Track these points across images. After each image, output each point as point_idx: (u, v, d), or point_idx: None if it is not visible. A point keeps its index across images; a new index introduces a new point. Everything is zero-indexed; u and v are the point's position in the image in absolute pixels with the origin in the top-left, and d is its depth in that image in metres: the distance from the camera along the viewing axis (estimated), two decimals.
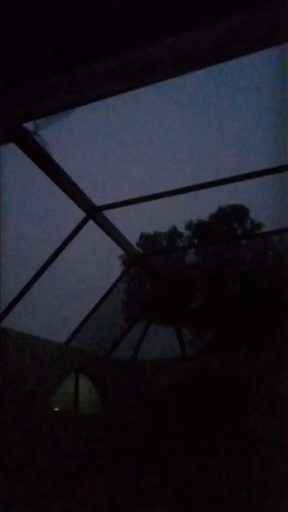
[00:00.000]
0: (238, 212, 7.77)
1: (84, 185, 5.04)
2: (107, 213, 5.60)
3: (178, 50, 2.24)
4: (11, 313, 5.41)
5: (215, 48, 2.18)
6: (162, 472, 5.30)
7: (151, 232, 7.66)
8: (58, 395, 6.45)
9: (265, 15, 1.96)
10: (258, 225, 8.15)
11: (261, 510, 3.96)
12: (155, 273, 6.92)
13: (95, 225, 5.56)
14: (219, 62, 2.33)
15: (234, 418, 6.16)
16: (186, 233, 7.92)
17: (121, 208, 5.57)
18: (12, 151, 3.84)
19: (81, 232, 5.48)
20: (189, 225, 7.84)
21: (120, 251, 6.29)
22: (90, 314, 6.64)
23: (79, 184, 4.95)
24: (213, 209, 7.44)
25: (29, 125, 3.99)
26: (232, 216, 7.77)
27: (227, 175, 5.09)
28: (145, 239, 7.56)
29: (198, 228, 7.65)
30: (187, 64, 2.35)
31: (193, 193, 5.55)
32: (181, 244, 8.05)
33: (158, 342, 7.89)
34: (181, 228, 7.81)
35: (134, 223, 6.11)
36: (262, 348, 7.01)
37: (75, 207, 5.20)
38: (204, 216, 7.55)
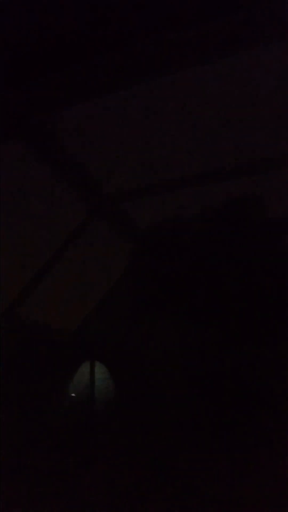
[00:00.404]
0: (253, 203, 7.68)
1: (92, 177, 5.03)
2: (116, 204, 5.60)
3: (179, 47, 2.23)
4: (21, 302, 5.47)
5: (216, 45, 2.17)
6: (162, 471, 5.39)
7: (160, 223, 7.63)
8: (74, 383, 6.54)
9: (265, 13, 1.93)
10: (273, 215, 8.04)
11: (262, 510, 4.01)
12: (162, 266, 6.91)
13: (102, 215, 5.57)
14: (220, 58, 2.32)
15: (235, 417, 6.22)
16: (196, 224, 7.84)
17: (130, 199, 5.57)
18: (15, 145, 3.85)
19: (88, 223, 5.49)
20: (199, 216, 7.77)
21: (130, 241, 6.30)
22: (101, 303, 6.68)
23: (87, 176, 4.95)
24: (221, 199, 7.38)
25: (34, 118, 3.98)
26: (246, 207, 7.68)
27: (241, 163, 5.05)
28: (153, 230, 7.55)
29: (208, 220, 7.59)
30: (189, 60, 2.34)
31: (204, 183, 5.52)
32: (190, 236, 8.00)
33: (160, 336, 7.92)
34: (190, 219, 7.76)
35: (143, 215, 6.08)
36: (264, 346, 7.02)
37: (85, 196, 5.21)
38: (216, 206, 7.49)
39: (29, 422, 5.26)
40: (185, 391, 7.53)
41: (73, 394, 6.73)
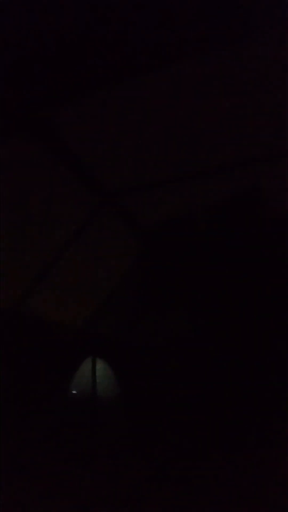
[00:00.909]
0: (254, 197, 7.65)
1: (98, 171, 5.02)
2: (122, 199, 5.60)
3: (178, 38, 2.22)
4: (26, 299, 5.50)
5: (215, 36, 2.15)
6: (163, 471, 5.37)
7: (167, 217, 7.65)
8: (75, 380, 6.58)
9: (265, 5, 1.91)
10: (274, 210, 8.00)
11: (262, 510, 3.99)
12: (168, 259, 6.93)
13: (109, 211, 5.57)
14: (220, 50, 2.30)
15: (237, 415, 6.21)
16: (201, 218, 7.85)
17: (136, 193, 5.57)
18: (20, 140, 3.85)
19: (94, 218, 5.50)
20: (204, 210, 7.76)
21: (134, 238, 6.32)
22: (105, 300, 6.71)
23: (93, 170, 4.94)
24: (228, 193, 7.37)
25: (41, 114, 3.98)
26: (249, 200, 7.66)
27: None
28: (161, 224, 7.56)
29: (213, 213, 7.58)
30: (188, 52, 2.32)
31: (210, 176, 5.50)
32: (196, 229, 8.00)
33: (166, 328, 7.94)
34: (197, 213, 7.77)
35: (149, 209, 6.08)
36: (267, 337, 6.99)
37: (89, 193, 5.21)
38: (219, 200, 7.47)
39: (31, 416, 5.28)
40: (188, 389, 7.52)
41: (74, 391, 6.77)
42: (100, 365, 7.24)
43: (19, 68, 2.62)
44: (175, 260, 7.24)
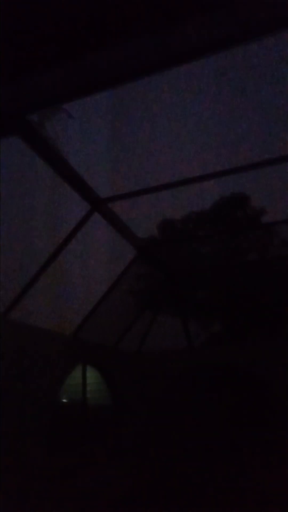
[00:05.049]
0: (244, 202, 7.73)
1: (89, 177, 4.99)
2: (112, 205, 5.57)
3: (180, 39, 2.20)
4: (17, 307, 5.41)
5: (219, 36, 2.13)
6: (163, 471, 5.28)
7: (158, 223, 7.68)
8: (65, 387, 6.48)
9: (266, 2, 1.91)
10: (266, 214, 8.08)
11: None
12: (161, 264, 6.90)
13: (100, 217, 5.53)
14: (224, 49, 2.28)
15: (240, 412, 6.15)
16: (193, 223, 7.90)
17: (127, 200, 5.53)
18: (14, 144, 3.81)
19: (86, 225, 5.45)
20: (195, 215, 7.80)
21: (126, 243, 6.28)
22: (96, 306, 6.64)
23: (84, 176, 4.92)
24: (217, 199, 7.42)
25: (33, 117, 3.95)
26: (238, 205, 7.73)
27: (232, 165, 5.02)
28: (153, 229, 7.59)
29: (204, 219, 7.62)
30: (191, 53, 2.30)
31: (198, 184, 5.50)
32: (188, 234, 8.03)
33: (164, 333, 7.90)
34: (187, 219, 7.80)
35: (139, 215, 6.06)
36: (268, 338, 6.98)
37: (79, 199, 5.17)
38: (210, 206, 7.52)
39: (23, 423, 5.17)
40: (182, 394, 7.44)
41: (64, 400, 6.66)
42: (89, 373, 7.16)
43: (15, 69, 2.58)
44: (170, 266, 7.22)
